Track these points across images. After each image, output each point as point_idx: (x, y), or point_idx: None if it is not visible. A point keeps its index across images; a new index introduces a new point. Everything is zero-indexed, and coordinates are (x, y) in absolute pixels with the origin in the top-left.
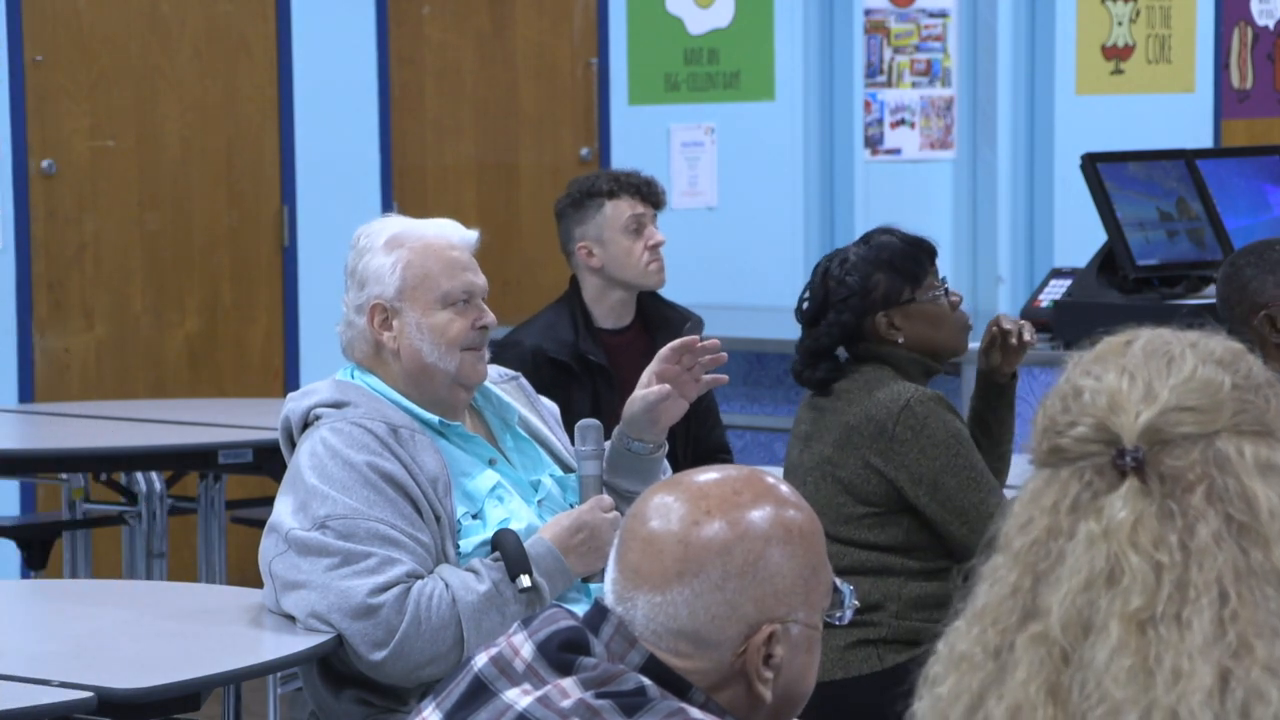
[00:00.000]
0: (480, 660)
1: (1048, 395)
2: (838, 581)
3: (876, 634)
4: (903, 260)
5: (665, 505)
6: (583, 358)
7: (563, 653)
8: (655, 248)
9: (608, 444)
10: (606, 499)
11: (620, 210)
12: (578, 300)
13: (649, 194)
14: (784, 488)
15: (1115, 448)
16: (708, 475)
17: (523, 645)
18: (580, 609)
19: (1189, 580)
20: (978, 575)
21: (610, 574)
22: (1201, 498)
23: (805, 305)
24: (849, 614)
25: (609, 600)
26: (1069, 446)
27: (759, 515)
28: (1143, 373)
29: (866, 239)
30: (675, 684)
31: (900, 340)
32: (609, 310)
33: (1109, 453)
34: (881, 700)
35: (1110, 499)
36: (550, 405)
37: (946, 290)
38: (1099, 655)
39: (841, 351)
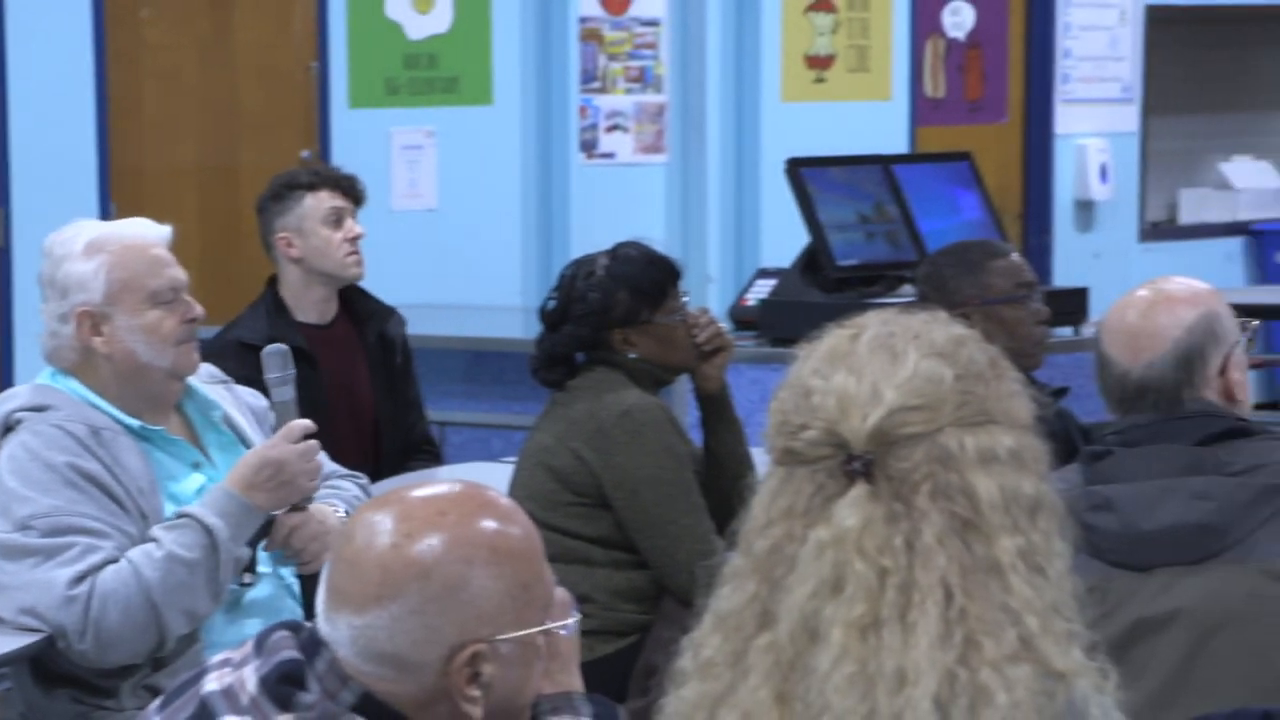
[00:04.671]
0: (211, 684)
1: (780, 389)
2: (559, 590)
3: (585, 625)
4: (646, 281)
5: (371, 524)
6: (278, 342)
7: (282, 686)
8: (354, 240)
9: None
10: (297, 427)
11: (320, 203)
12: (274, 293)
13: (349, 188)
14: (501, 503)
15: (845, 453)
16: (420, 492)
17: (250, 678)
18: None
19: (914, 582)
20: (720, 575)
21: (320, 592)
22: (926, 497)
23: (550, 307)
24: (573, 624)
25: (319, 620)
26: (802, 450)
27: (464, 536)
28: (868, 372)
29: (614, 252)
30: None
31: (634, 355)
32: (313, 305)
33: (839, 456)
34: (589, 690)
35: (840, 504)
36: (255, 397)
37: (685, 310)
38: (823, 663)
39: (580, 354)
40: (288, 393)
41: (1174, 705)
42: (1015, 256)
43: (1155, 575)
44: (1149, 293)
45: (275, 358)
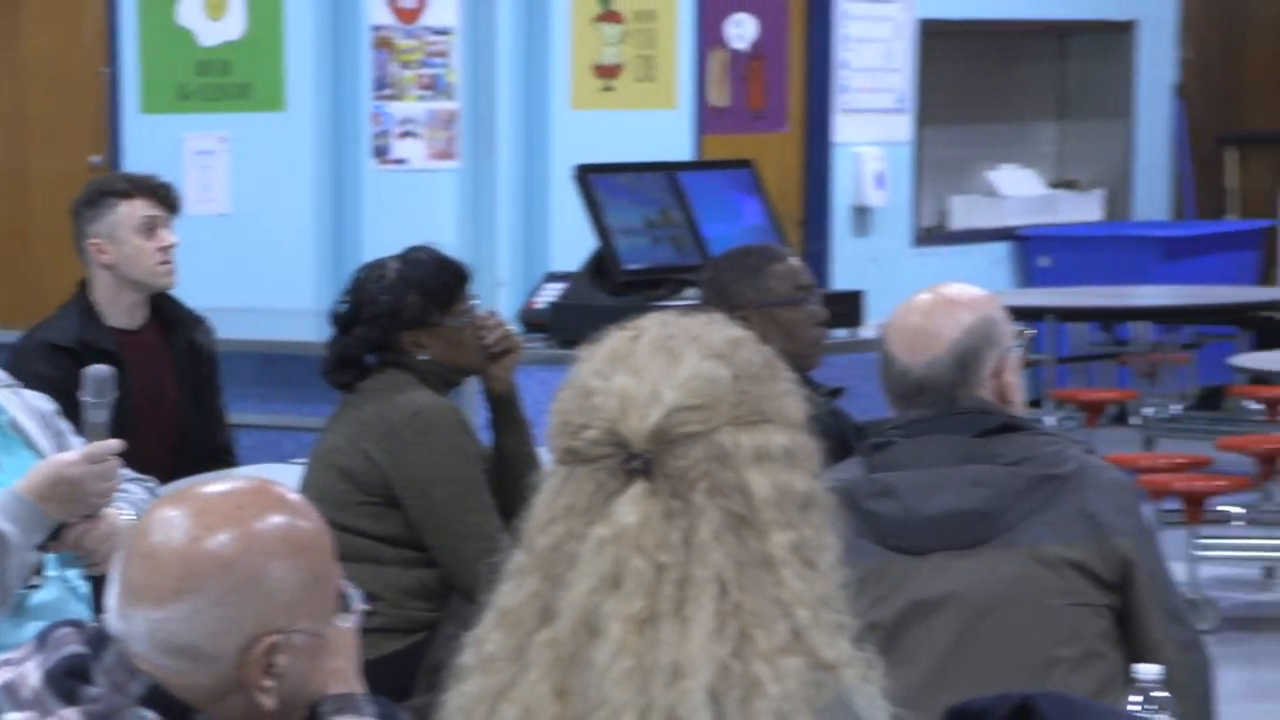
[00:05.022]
0: None
1: (561, 390)
2: (345, 586)
3: (373, 622)
4: (435, 284)
5: (168, 520)
6: (89, 345)
7: (67, 680)
8: (166, 249)
9: None
10: (99, 449)
11: (134, 210)
12: (85, 296)
13: (164, 197)
14: (292, 498)
15: (625, 451)
16: (214, 488)
17: (32, 673)
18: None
19: (690, 577)
20: (503, 572)
21: (114, 589)
22: (703, 494)
23: (341, 310)
24: (357, 616)
25: (112, 616)
26: (583, 449)
27: (262, 529)
28: (648, 373)
29: (405, 256)
30: (179, 713)
31: (424, 357)
32: (122, 310)
33: (619, 455)
34: (376, 687)
35: (620, 502)
36: (43, 400)
37: (474, 313)
38: (601, 657)
39: (371, 355)
40: (102, 415)
41: (947, 685)
42: (794, 261)
43: (931, 559)
44: (931, 296)
45: (96, 381)
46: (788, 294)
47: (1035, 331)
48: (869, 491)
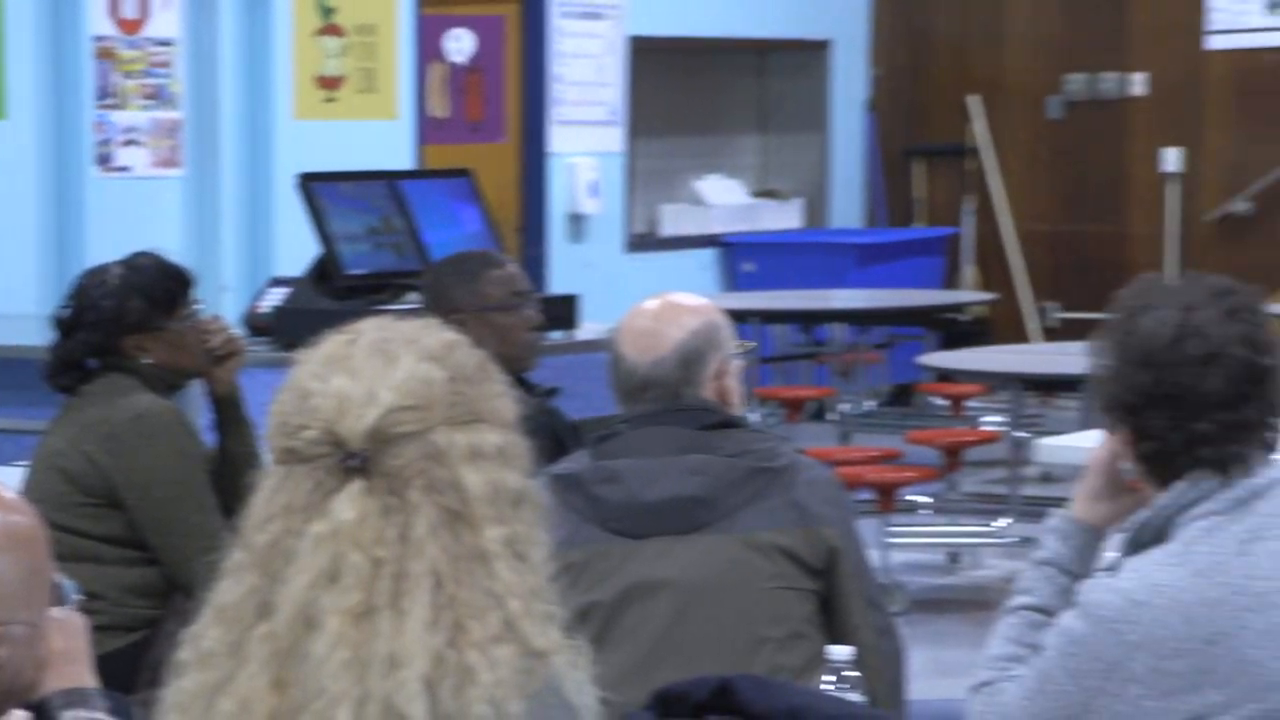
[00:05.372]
0: None
1: (279, 393)
2: (59, 578)
3: (97, 621)
4: (158, 289)
5: None
6: None
7: None
8: None
9: None
10: None
11: None
12: None
13: None
14: (5, 494)
15: (342, 451)
16: None
17: None
18: None
19: (408, 571)
20: (222, 569)
21: None
22: (419, 491)
23: (63, 315)
24: (73, 608)
25: None
26: (301, 448)
27: None
28: (365, 375)
29: (129, 261)
30: None
31: (147, 360)
32: None
33: (337, 455)
34: (99, 683)
35: (338, 499)
36: None
37: (197, 316)
38: (319, 649)
39: (93, 360)
40: None
41: (661, 666)
42: (510, 267)
43: (652, 542)
44: (659, 302)
45: None
46: (503, 299)
47: (756, 344)
48: (595, 478)
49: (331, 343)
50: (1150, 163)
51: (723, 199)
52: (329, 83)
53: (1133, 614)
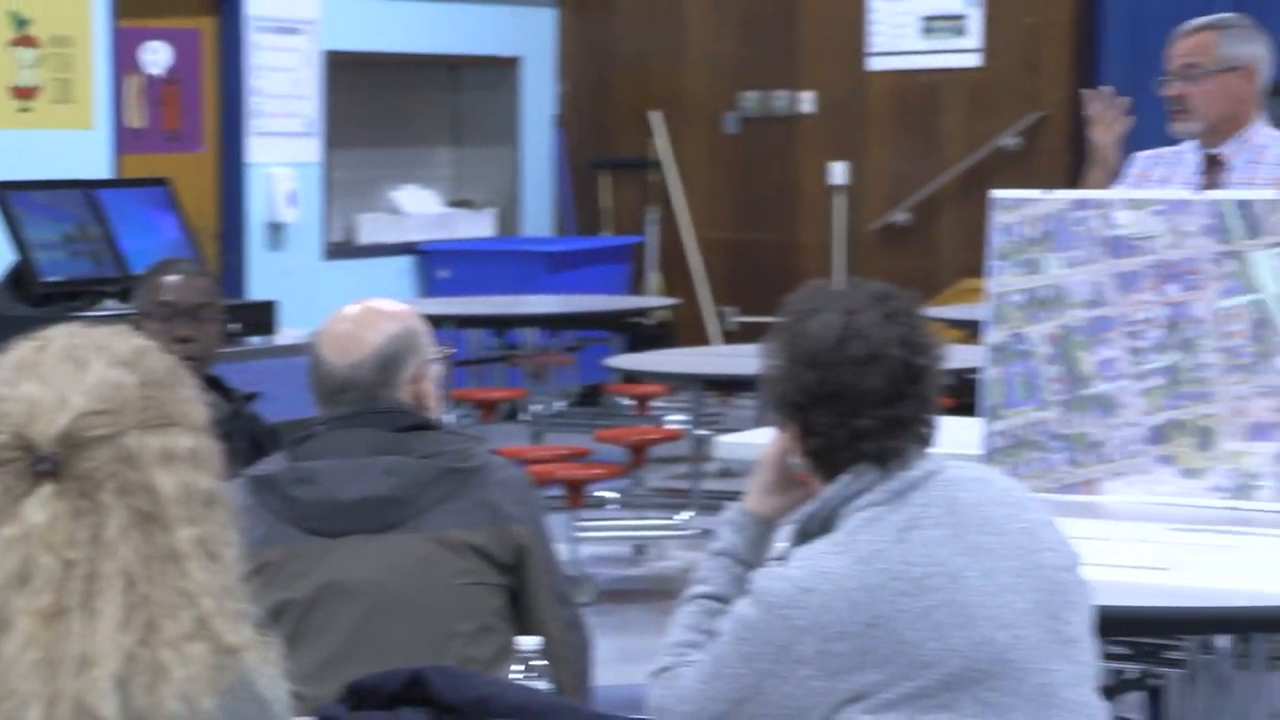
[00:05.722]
0: None
1: None
2: None
3: None
4: None
5: None
6: None
7: None
8: None
9: None
10: None
11: None
12: None
13: None
14: None
15: (33, 455)
16: None
17: None
18: None
19: (100, 572)
20: None
21: None
22: (111, 493)
23: None
24: None
25: None
26: None
27: None
28: (56, 379)
29: None
30: None
31: None
32: None
33: (28, 459)
34: None
35: (28, 502)
36: None
37: None
38: (9, 651)
39: None
40: None
41: (354, 661)
42: (170, 277)
43: (346, 541)
44: (360, 307)
45: None
46: (148, 308)
47: (455, 350)
48: (291, 479)
49: (22, 349)
50: (819, 176)
51: (418, 208)
52: (24, 93)
53: (801, 600)
